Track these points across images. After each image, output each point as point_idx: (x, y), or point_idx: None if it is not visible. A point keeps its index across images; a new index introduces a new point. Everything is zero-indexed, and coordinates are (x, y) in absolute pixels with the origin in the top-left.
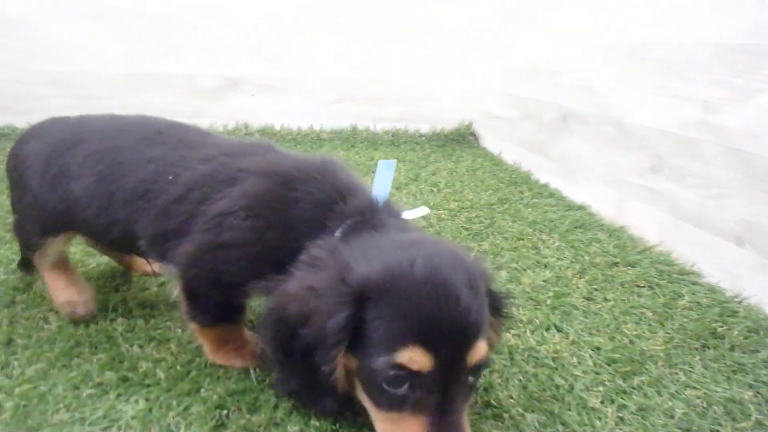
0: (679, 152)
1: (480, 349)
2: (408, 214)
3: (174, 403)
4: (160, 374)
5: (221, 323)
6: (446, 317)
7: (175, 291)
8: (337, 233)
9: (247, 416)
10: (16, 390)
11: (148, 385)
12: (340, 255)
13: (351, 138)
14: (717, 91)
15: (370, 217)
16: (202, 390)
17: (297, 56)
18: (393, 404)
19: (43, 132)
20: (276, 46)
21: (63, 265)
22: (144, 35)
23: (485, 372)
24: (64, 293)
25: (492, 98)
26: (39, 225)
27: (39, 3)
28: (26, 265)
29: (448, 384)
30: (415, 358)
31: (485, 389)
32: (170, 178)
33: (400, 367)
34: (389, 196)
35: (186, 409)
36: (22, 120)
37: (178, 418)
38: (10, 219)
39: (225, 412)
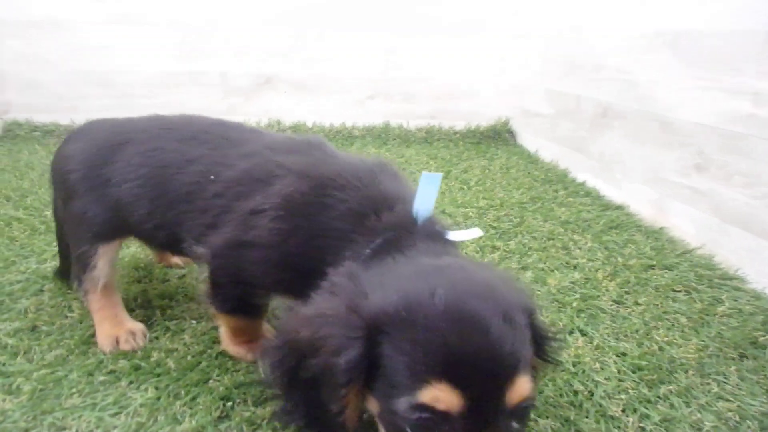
0: (725, 149)
1: (521, 386)
2: (456, 235)
3: (182, 392)
4: (171, 364)
5: (239, 314)
6: (475, 349)
7: (203, 273)
8: (368, 250)
9: (252, 409)
10: (35, 374)
11: (159, 375)
12: (358, 281)
13: (383, 135)
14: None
15: (403, 236)
16: (211, 381)
17: (330, 54)
18: None
19: (88, 133)
20: (309, 43)
21: (112, 294)
22: (180, 36)
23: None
24: (113, 330)
25: (530, 94)
26: (89, 231)
27: (82, 6)
28: (64, 272)
29: (484, 429)
30: (441, 396)
31: None
32: (211, 177)
33: (424, 408)
34: (433, 212)
35: (193, 399)
36: (66, 117)
37: (185, 408)
38: (47, 212)
39: (230, 403)
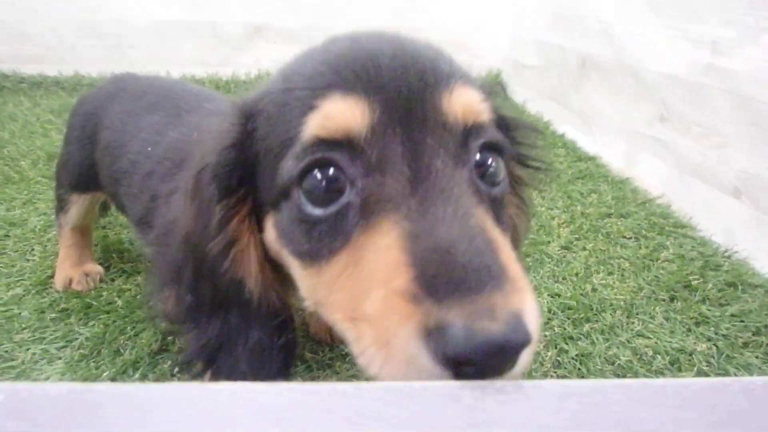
0: (686, 100)
1: (463, 95)
2: None
3: (128, 328)
4: (120, 303)
5: None
6: (380, 54)
7: None
8: None
9: None
10: None
11: (108, 312)
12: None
13: None
14: (727, 30)
15: None
16: (157, 318)
17: (319, 3)
18: (331, 233)
19: (104, 85)
20: None
21: (82, 236)
22: None
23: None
24: (70, 270)
25: (521, 46)
26: (67, 178)
27: None
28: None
29: (415, 157)
30: (332, 110)
31: None
32: (149, 149)
33: (314, 145)
34: None
35: (137, 334)
36: (53, 69)
37: (127, 342)
38: (23, 162)
39: (171, 337)
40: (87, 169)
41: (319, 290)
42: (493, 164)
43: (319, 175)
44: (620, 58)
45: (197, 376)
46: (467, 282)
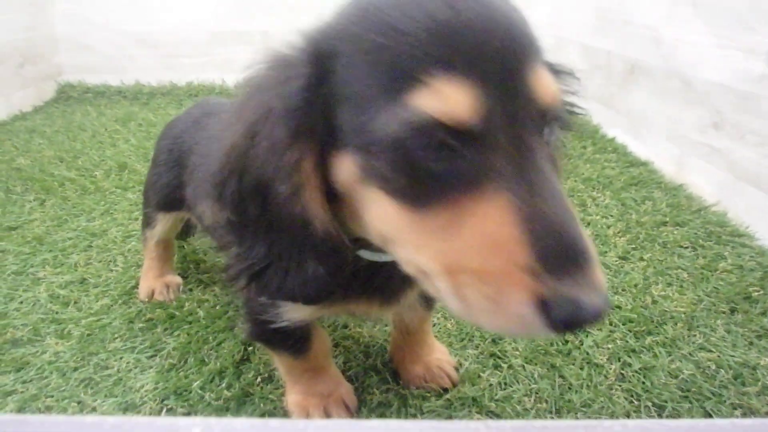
0: (739, 108)
1: (546, 77)
2: None
3: (210, 338)
4: (201, 313)
5: (284, 351)
6: (479, 24)
7: None
8: None
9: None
10: (83, 321)
11: (190, 322)
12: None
13: None
14: None
15: None
16: (235, 328)
17: None
18: (435, 189)
19: (193, 108)
20: None
21: (165, 250)
22: None
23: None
24: (152, 282)
25: (564, 49)
26: (155, 198)
27: None
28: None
29: (516, 135)
30: (449, 92)
31: (492, 340)
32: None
33: (424, 121)
34: None
35: (219, 344)
36: (116, 78)
37: (211, 351)
38: (96, 173)
39: (251, 347)
40: (173, 190)
41: (409, 232)
42: (553, 134)
43: (428, 140)
44: (669, 65)
45: (242, 290)
46: (573, 259)
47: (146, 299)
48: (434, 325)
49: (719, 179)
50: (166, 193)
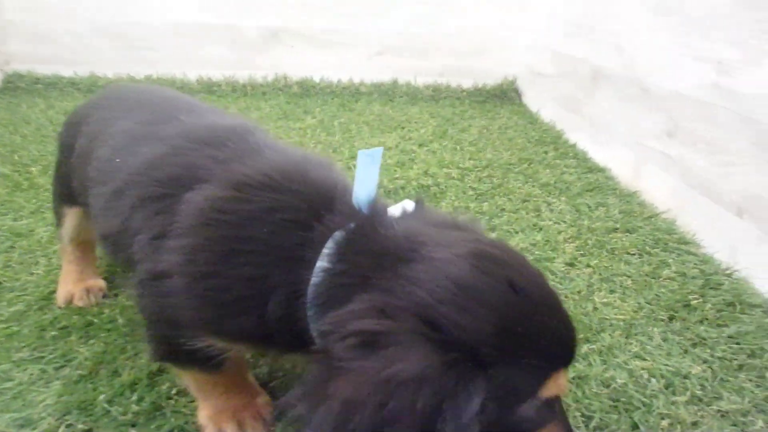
0: (692, 117)
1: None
2: (392, 210)
3: (128, 347)
4: (121, 320)
5: (186, 365)
6: (561, 326)
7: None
8: (327, 265)
9: None
10: None
11: (108, 330)
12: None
13: (390, 92)
14: (732, 51)
15: (365, 237)
16: None
17: (340, 7)
18: None
19: (95, 94)
20: None
21: (84, 251)
22: None
23: None
24: (71, 286)
25: (537, 54)
26: (59, 190)
27: None
28: None
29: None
30: (562, 383)
31: None
32: (117, 160)
33: (544, 402)
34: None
35: (137, 354)
36: (69, 70)
37: (127, 362)
38: (33, 168)
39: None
40: (74, 181)
41: None
42: None
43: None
44: (629, 72)
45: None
46: None
47: (64, 305)
48: None
49: (672, 187)
50: (67, 184)
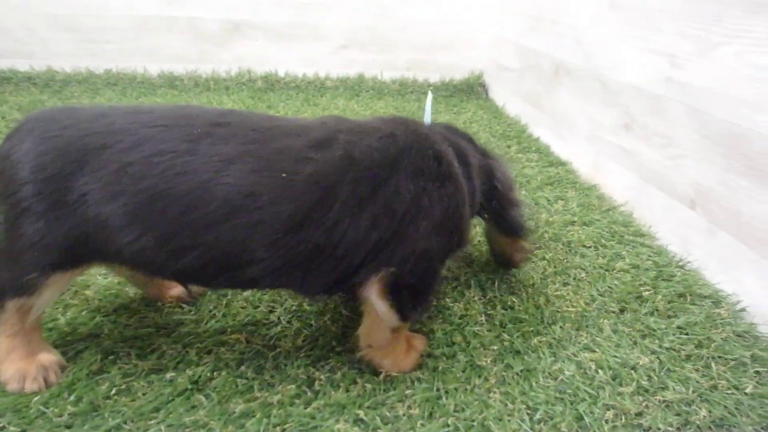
0: (647, 110)
1: None
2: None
3: (69, 347)
4: (62, 319)
5: None
6: None
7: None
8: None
9: (134, 362)
10: None
11: (50, 329)
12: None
13: (356, 87)
14: (683, 44)
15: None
16: (102, 335)
17: (305, 0)
18: None
19: (42, 130)
20: None
21: (35, 325)
22: None
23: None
24: (22, 364)
25: (502, 48)
26: (43, 257)
27: None
28: None
29: None
30: None
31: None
32: (283, 175)
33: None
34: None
35: (78, 353)
36: (25, 63)
37: (68, 362)
38: None
39: (113, 356)
40: (80, 239)
41: None
42: None
43: None
44: (589, 66)
45: None
46: None
47: (17, 387)
48: (318, 328)
49: (628, 180)
50: (68, 246)
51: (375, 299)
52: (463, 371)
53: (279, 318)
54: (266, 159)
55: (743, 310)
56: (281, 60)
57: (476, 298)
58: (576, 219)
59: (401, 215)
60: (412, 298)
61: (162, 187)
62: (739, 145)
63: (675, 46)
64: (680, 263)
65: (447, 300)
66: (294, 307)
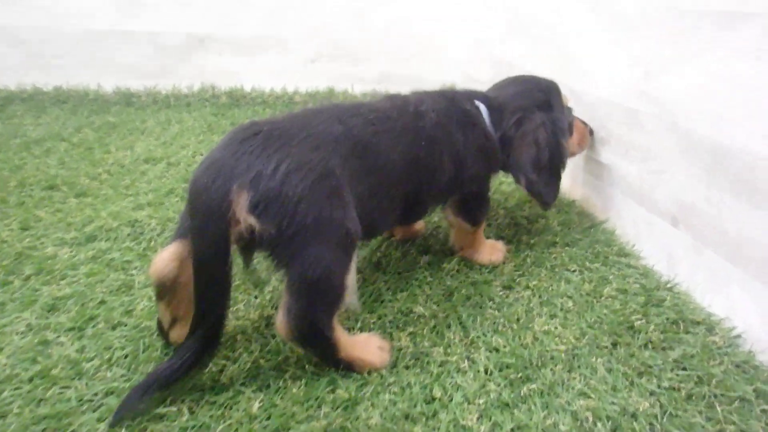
0: (623, 123)
1: None
2: None
3: None
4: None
5: None
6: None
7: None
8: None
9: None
10: None
11: None
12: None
13: (326, 101)
14: (659, 55)
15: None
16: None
17: (271, 12)
18: None
19: (274, 149)
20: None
21: None
22: None
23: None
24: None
25: (474, 59)
26: (345, 250)
27: None
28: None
29: None
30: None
31: (344, 407)
32: (423, 143)
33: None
34: None
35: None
36: None
37: None
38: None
39: None
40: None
41: None
42: None
43: None
44: (564, 77)
45: None
46: None
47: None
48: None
49: (607, 195)
50: (354, 234)
51: (453, 215)
52: None
53: (231, 380)
54: (409, 132)
55: (738, 336)
56: (247, 74)
57: (457, 340)
58: (558, 240)
59: (461, 153)
60: (475, 209)
61: (363, 169)
62: (721, 160)
63: (648, 59)
64: (668, 285)
65: (425, 343)
66: (248, 365)
